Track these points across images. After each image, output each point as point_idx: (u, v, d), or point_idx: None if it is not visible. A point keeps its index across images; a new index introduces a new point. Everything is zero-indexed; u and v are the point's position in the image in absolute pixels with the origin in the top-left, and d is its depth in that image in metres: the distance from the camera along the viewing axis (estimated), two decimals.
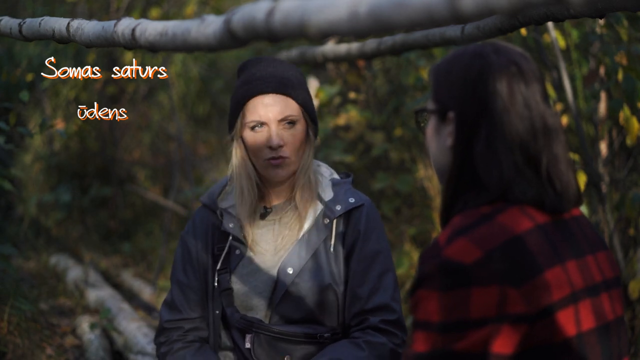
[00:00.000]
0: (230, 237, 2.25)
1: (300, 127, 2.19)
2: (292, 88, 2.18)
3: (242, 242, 2.24)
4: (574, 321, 1.40)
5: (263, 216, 2.26)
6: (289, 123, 2.18)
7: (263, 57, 2.26)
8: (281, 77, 2.18)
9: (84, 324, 4.14)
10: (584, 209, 3.45)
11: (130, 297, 4.84)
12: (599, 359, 1.44)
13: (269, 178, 2.22)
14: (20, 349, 3.51)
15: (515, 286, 1.35)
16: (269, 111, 2.17)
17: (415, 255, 4.56)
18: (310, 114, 2.22)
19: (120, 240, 6.10)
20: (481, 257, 1.36)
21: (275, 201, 2.27)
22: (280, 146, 2.16)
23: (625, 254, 3.66)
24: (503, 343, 1.35)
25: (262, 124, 2.17)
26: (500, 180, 1.44)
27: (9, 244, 4.11)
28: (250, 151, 2.21)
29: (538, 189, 1.44)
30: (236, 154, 2.23)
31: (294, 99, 2.18)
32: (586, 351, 1.41)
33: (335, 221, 2.22)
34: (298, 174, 2.22)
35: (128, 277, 5.24)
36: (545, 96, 1.49)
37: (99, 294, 4.56)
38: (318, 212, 2.23)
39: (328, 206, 2.23)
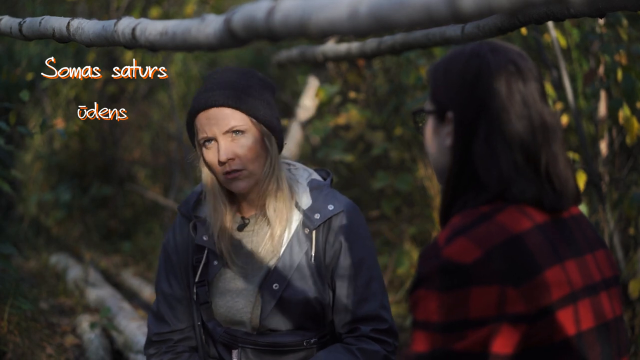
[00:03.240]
0: (206, 249, 2.22)
1: (250, 136, 2.12)
2: (235, 98, 2.11)
3: (217, 254, 2.20)
4: (574, 320, 1.40)
5: (241, 227, 2.22)
6: (236, 133, 2.11)
7: (217, 70, 2.22)
8: (224, 89, 2.12)
9: (84, 323, 4.13)
10: (583, 209, 3.45)
11: (131, 296, 4.84)
12: (598, 359, 1.44)
13: (232, 191, 2.17)
14: (20, 348, 3.51)
15: (514, 286, 1.35)
16: (212, 125, 2.11)
17: (415, 255, 4.56)
18: (264, 123, 2.14)
19: (121, 239, 6.09)
20: (481, 257, 1.36)
21: (251, 211, 2.22)
22: (231, 159, 2.10)
23: (625, 254, 3.67)
24: (503, 343, 1.35)
25: (210, 139, 2.12)
26: (499, 179, 1.43)
27: (8, 243, 4.11)
28: (208, 167, 2.16)
29: (537, 188, 1.44)
30: (202, 169, 2.19)
31: (238, 109, 2.11)
32: (586, 350, 1.41)
33: (315, 231, 2.18)
34: (262, 184, 2.16)
35: (128, 277, 5.23)
36: (544, 95, 1.49)
37: (99, 293, 4.56)
38: (297, 222, 2.18)
39: (307, 215, 2.18)
